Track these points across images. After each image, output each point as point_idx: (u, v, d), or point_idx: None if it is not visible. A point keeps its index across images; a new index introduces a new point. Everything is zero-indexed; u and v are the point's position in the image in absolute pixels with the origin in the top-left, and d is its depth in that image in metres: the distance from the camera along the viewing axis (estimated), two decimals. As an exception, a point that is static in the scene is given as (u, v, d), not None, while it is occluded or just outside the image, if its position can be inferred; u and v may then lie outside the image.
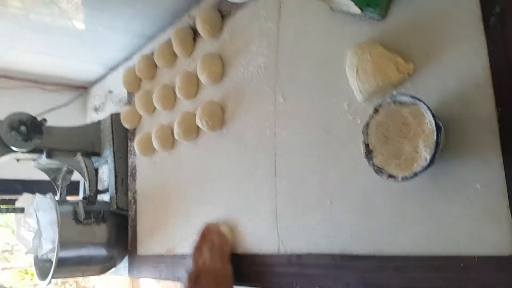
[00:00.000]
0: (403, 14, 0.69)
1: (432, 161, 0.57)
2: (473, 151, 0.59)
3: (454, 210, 0.60)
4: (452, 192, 0.60)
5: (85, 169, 1.35)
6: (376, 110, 0.64)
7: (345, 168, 0.75)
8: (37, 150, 1.35)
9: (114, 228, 1.36)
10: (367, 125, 0.65)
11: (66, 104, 1.50)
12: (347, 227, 0.74)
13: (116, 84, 1.57)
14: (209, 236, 0.99)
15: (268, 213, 0.90)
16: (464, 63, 0.61)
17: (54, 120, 1.41)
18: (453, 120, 0.61)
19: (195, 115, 1.06)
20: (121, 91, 1.52)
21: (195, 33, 1.15)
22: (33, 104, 1.50)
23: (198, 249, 0.99)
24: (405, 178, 0.59)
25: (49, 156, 1.36)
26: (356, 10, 0.71)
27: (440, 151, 0.58)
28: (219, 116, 1.03)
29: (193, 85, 1.11)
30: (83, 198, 1.35)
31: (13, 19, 1.30)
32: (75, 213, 1.32)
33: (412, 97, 0.59)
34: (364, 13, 0.72)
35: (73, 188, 1.66)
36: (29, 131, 1.29)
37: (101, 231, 1.34)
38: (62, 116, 1.65)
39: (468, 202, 0.59)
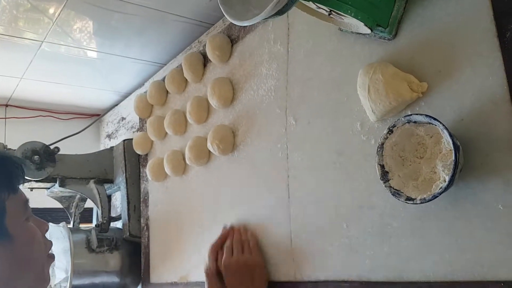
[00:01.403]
0: (414, 33, 0.68)
1: (451, 182, 0.54)
2: (493, 170, 0.57)
3: (476, 233, 0.57)
4: (473, 214, 0.58)
5: (97, 197, 1.35)
6: (390, 131, 0.62)
7: (360, 190, 0.73)
8: (50, 179, 1.36)
9: (127, 256, 1.34)
10: (381, 146, 0.63)
11: (79, 132, 1.51)
12: (365, 252, 0.72)
13: (129, 110, 1.58)
14: (236, 234, 0.95)
15: (283, 238, 0.87)
16: (480, 80, 0.59)
17: (67, 148, 1.42)
18: (470, 139, 0.59)
19: (206, 139, 1.06)
20: (134, 118, 1.53)
21: (205, 58, 1.16)
22: (47, 133, 1.51)
23: (216, 246, 0.96)
24: (423, 201, 0.57)
25: (62, 184, 1.36)
26: (365, 30, 0.70)
27: (459, 171, 0.56)
28: (230, 140, 1.02)
29: (204, 110, 1.11)
30: (95, 225, 1.34)
31: (26, 49, 1.32)
32: (88, 242, 1.32)
33: (428, 116, 0.58)
34: (374, 33, 0.71)
35: (87, 215, 1.65)
36: (42, 160, 1.30)
37: (114, 259, 1.33)
38: (75, 144, 1.66)
39: (490, 224, 0.56)
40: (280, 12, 0.60)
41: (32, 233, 0.68)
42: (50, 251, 0.73)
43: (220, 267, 0.93)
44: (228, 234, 0.98)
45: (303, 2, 0.69)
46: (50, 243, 0.74)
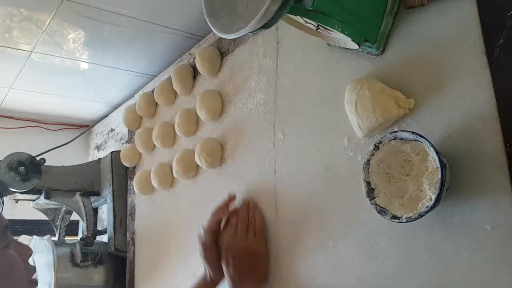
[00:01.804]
0: (402, 49, 0.67)
1: (437, 200, 0.53)
2: (481, 189, 0.55)
3: (464, 254, 0.56)
4: (460, 234, 0.56)
5: (83, 209, 1.32)
6: (376, 147, 0.61)
7: (347, 207, 0.72)
8: (35, 191, 1.33)
9: (112, 271, 1.31)
10: (367, 162, 0.62)
11: (67, 143, 1.48)
12: (351, 271, 0.70)
13: (118, 122, 1.57)
14: (243, 211, 0.87)
15: (269, 255, 0.85)
16: (468, 97, 0.58)
17: (56, 159, 1.40)
18: (458, 157, 0.58)
19: (194, 152, 1.04)
20: (123, 129, 1.51)
21: (195, 71, 1.15)
22: (35, 144, 1.48)
23: (218, 215, 0.88)
24: (409, 219, 0.55)
25: (47, 196, 1.34)
26: (353, 45, 0.69)
27: (445, 189, 0.54)
28: (218, 153, 1.00)
29: (193, 122, 1.10)
30: (80, 239, 1.31)
31: (15, 59, 1.31)
32: (72, 256, 1.29)
33: (414, 133, 0.56)
34: (362, 48, 0.71)
35: (73, 228, 1.62)
36: (28, 172, 1.27)
37: (98, 274, 1.30)
38: (64, 155, 1.64)
39: (478, 245, 0.54)
40: (266, 26, 0.59)
41: (10, 261, 0.65)
42: (33, 277, 0.70)
43: (219, 242, 0.86)
44: (232, 205, 0.90)
45: (290, 16, 0.68)
46: (33, 269, 0.71)
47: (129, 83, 1.51)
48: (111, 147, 1.59)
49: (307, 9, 0.62)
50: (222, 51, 1.06)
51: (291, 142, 0.85)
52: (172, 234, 1.15)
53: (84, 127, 1.82)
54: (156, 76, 1.40)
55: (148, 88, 1.40)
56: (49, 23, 1.15)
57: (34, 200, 1.42)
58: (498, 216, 0.53)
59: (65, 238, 1.51)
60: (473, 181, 0.56)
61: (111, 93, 1.59)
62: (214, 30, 0.62)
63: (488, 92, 0.56)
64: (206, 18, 0.64)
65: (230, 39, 1.04)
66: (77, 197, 1.37)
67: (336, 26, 0.63)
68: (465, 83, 0.59)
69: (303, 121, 0.83)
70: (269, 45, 0.93)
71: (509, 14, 0.55)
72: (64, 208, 1.49)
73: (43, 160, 1.31)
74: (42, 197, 1.34)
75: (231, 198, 0.92)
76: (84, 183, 1.41)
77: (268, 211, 0.87)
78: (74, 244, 1.31)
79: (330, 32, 0.69)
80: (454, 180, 0.57)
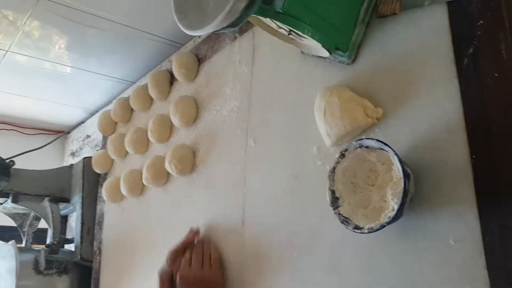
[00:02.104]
0: (373, 58, 0.66)
1: (399, 211, 0.51)
2: (446, 202, 0.53)
3: (427, 268, 0.53)
4: (423, 248, 0.54)
5: (50, 216, 1.27)
6: (342, 155, 0.59)
7: (313, 217, 0.69)
8: (3, 194, 1.28)
9: (77, 281, 1.26)
10: (333, 170, 0.60)
11: (40, 148, 1.44)
12: (314, 285, 0.67)
13: (94, 128, 1.53)
14: (198, 245, 0.87)
15: (234, 267, 0.82)
16: (436, 107, 0.57)
17: (30, 165, 1.36)
18: (424, 167, 0.56)
19: (165, 158, 1.01)
20: (98, 136, 1.47)
21: (172, 77, 1.13)
22: (9, 148, 1.43)
23: (177, 251, 0.87)
24: (371, 230, 0.53)
25: (14, 200, 1.29)
26: (325, 53, 0.68)
27: (409, 200, 0.52)
28: (189, 160, 0.98)
29: (166, 128, 1.07)
30: (46, 246, 1.26)
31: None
32: (36, 263, 1.24)
33: (379, 141, 0.55)
34: (334, 57, 0.69)
35: (43, 235, 1.56)
36: (-5, 174, 1.23)
37: (62, 283, 1.25)
38: (38, 161, 1.60)
39: (441, 260, 0.52)
40: (233, 24, 0.58)
41: None
42: None
43: (175, 275, 0.84)
44: (191, 241, 0.89)
45: (262, 19, 0.67)
46: None
47: (109, 89, 1.48)
48: (86, 153, 1.55)
49: (277, 11, 0.60)
50: (200, 57, 1.05)
51: (262, 150, 0.83)
52: (140, 244, 1.11)
53: (60, 133, 1.78)
54: (135, 82, 1.38)
55: (126, 94, 1.37)
56: (25, 22, 1.13)
57: (2, 203, 1.37)
58: (462, 230, 0.52)
59: (33, 246, 1.46)
60: (438, 193, 0.54)
61: (90, 98, 1.56)
62: (180, 26, 0.61)
63: (456, 103, 0.55)
64: (174, 15, 0.62)
65: (209, 46, 1.03)
66: (46, 202, 1.33)
67: (306, 31, 0.62)
68: (433, 93, 0.58)
69: (275, 129, 0.81)
70: (245, 52, 0.92)
71: (479, 23, 0.54)
72: (32, 214, 1.44)
73: (12, 162, 1.27)
74: (9, 200, 1.29)
75: (195, 232, 0.91)
76: (54, 188, 1.36)
77: (235, 221, 0.84)
78: (39, 251, 1.26)
79: (302, 38, 0.67)
80: (418, 191, 0.55)
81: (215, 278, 0.82)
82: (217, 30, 0.59)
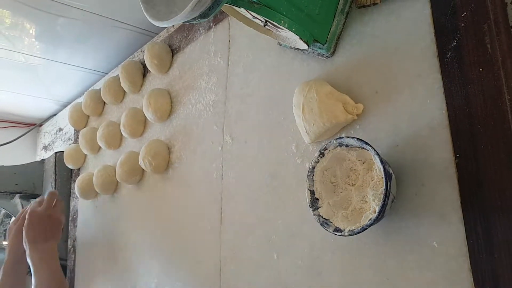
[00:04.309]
0: (353, 51, 0.63)
1: (381, 213, 0.48)
2: (428, 202, 0.51)
3: (409, 272, 0.51)
4: (406, 251, 0.52)
5: (20, 213, 1.22)
6: (322, 154, 0.56)
7: (292, 218, 0.67)
8: (-30, 191, 1.23)
9: (50, 280, 1.21)
10: (312, 170, 0.57)
11: (9, 142, 1.38)
12: (294, 287, 0.64)
13: (66, 121, 1.47)
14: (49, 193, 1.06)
15: (211, 268, 0.79)
16: (417, 103, 0.54)
17: (1, 160, 1.30)
18: (405, 167, 0.54)
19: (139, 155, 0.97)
20: (71, 129, 1.42)
21: (145, 68, 1.08)
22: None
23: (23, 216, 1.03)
24: (352, 233, 0.50)
25: (-18, 198, 1.23)
26: (303, 45, 0.64)
27: (390, 201, 0.50)
28: (164, 157, 0.94)
29: (140, 123, 1.03)
30: (17, 245, 1.21)
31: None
32: (7, 262, 1.18)
33: (359, 140, 0.52)
34: (312, 49, 0.66)
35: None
36: (-40, 170, 1.16)
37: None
38: (10, 155, 1.54)
39: (424, 263, 0.50)
40: (204, 15, 0.54)
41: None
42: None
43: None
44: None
45: (237, 9, 0.63)
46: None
47: (80, 80, 1.42)
48: (59, 147, 1.50)
49: (251, 1, 0.57)
50: (173, 48, 1.00)
51: (239, 146, 0.79)
52: (114, 242, 1.08)
53: (31, 126, 1.72)
54: (107, 73, 1.32)
55: (98, 86, 1.32)
56: (-12, 11, 1.06)
57: (-31, 201, 1.31)
58: (446, 232, 0.49)
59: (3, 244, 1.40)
60: (420, 194, 0.52)
61: (61, 90, 1.50)
62: (147, 17, 0.56)
63: (438, 99, 0.53)
64: (141, 4, 0.57)
65: (183, 36, 0.99)
66: (17, 199, 1.27)
67: (282, 22, 0.58)
68: (414, 88, 0.55)
69: (252, 124, 0.77)
70: (220, 43, 0.87)
71: (463, 15, 0.52)
72: (3, 211, 1.38)
73: (-22, 158, 1.21)
74: (-24, 198, 1.24)
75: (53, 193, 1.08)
76: (25, 185, 1.31)
77: (213, 219, 0.81)
78: (9, 251, 1.21)
79: (279, 29, 0.64)
80: (400, 192, 0.53)
81: (60, 216, 1.03)
82: (187, 21, 0.55)
